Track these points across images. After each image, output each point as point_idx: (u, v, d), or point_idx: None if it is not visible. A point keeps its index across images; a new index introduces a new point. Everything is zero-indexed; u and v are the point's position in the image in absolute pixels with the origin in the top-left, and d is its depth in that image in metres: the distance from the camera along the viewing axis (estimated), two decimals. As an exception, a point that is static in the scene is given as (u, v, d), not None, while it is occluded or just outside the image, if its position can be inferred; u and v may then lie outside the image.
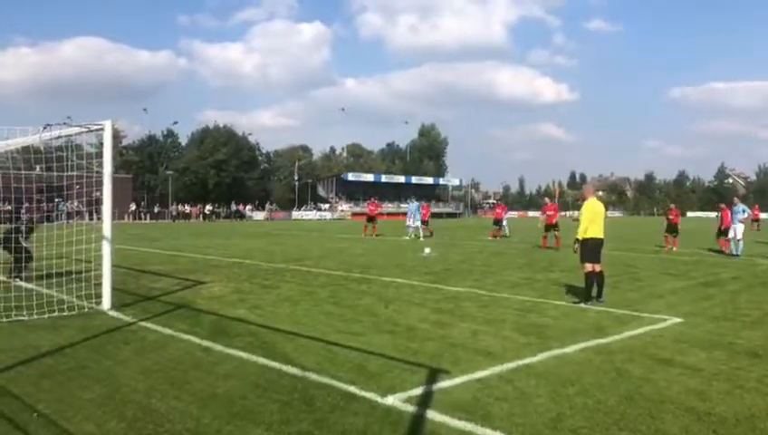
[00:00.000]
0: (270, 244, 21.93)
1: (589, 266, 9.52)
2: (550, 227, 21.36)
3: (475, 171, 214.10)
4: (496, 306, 9.12)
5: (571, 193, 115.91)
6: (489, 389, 5.00)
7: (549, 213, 21.77)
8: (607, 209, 10.68)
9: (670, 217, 22.08)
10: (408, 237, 26.28)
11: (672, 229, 21.68)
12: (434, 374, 5.37)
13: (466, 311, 8.70)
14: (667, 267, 15.11)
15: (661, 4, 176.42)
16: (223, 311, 8.47)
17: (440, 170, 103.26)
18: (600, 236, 9.61)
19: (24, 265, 11.01)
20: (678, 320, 8.13)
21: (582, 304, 9.28)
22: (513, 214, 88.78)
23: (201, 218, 60.07)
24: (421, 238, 25.73)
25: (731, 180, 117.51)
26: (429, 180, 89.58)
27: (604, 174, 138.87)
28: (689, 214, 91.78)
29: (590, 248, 9.57)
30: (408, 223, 27.37)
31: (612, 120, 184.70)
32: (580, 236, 9.62)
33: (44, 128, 8.86)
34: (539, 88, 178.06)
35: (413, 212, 27.59)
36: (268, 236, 25.12)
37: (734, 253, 18.74)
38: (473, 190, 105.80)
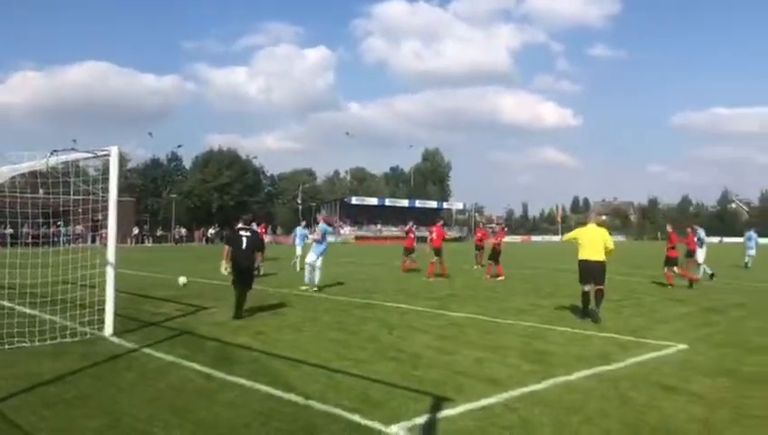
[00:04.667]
0: (274, 268, 21.89)
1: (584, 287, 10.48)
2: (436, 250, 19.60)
3: (479, 195, 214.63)
4: (501, 333, 9.09)
5: (574, 217, 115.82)
6: (493, 417, 4.97)
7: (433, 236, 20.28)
8: (611, 234, 10.95)
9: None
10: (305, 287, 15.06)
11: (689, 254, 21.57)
12: (438, 403, 5.34)
13: (471, 337, 8.67)
14: (671, 293, 15.06)
15: (663, 30, 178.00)
16: (225, 337, 8.45)
17: (444, 194, 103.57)
18: (590, 258, 10.41)
19: None
20: (683, 346, 8.08)
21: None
22: (516, 238, 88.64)
23: (204, 242, 60.16)
24: (314, 287, 14.81)
25: (734, 206, 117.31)
26: (433, 204, 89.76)
27: (607, 198, 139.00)
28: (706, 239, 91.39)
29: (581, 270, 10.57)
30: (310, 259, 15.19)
31: (616, 144, 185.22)
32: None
33: (51, 154, 8.95)
34: (543, 113, 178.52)
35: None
36: (272, 260, 25.10)
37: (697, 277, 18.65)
38: (476, 214, 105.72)
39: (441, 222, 22.28)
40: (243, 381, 6.05)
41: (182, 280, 15.29)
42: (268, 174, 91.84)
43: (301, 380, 6.13)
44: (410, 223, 23.36)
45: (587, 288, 10.38)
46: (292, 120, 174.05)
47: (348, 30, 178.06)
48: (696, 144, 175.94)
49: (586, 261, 10.43)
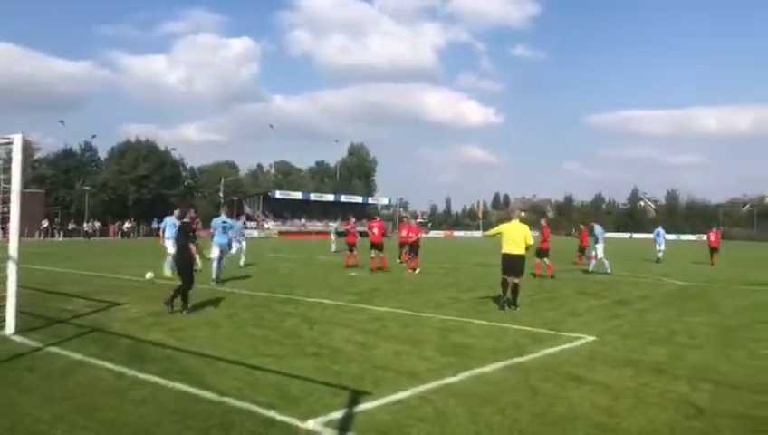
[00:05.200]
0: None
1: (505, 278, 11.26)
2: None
3: (404, 191, 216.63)
4: (420, 326, 9.23)
5: (495, 213, 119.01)
6: (409, 410, 5.04)
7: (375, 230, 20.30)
8: (531, 230, 11.89)
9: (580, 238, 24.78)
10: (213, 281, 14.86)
11: (581, 249, 24.25)
12: (356, 397, 5.36)
13: (391, 331, 8.75)
14: (583, 286, 15.74)
15: (580, 33, 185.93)
16: (139, 334, 8.16)
17: (369, 190, 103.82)
18: (512, 252, 11.20)
19: None
20: (592, 338, 8.47)
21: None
22: (440, 233, 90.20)
23: (119, 236, 57.79)
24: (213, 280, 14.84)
25: (642, 203, 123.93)
26: (359, 199, 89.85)
27: (527, 195, 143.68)
28: (606, 235, 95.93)
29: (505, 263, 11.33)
30: (214, 254, 15.27)
31: (535, 143, 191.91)
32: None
33: (-54, 140, 8.35)
34: (466, 111, 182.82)
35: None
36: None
37: (600, 270, 19.99)
38: (401, 210, 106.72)
39: (378, 218, 22.66)
40: (156, 378, 5.86)
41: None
42: (188, 166, 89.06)
43: (217, 376, 6.00)
44: (352, 219, 23.58)
45: (509, 278, 11.20)
46: (214, 112, 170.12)
47: (272, 21, 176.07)
48: (609, 144, 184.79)
49: (509, 254, 11.26)
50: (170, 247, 16.40)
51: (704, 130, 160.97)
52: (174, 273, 15.91)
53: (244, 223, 23.44)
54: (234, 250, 19.82)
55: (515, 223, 11.60)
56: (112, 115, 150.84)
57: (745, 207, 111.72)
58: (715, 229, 29.64)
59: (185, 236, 10.56)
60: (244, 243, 21.06)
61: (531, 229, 11.77)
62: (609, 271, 19.75)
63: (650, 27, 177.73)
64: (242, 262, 20.22)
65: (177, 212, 16.47)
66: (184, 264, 10.44)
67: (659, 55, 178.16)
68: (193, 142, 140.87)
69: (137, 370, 6.16)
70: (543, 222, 20.13)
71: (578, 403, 5.34)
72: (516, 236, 11.25)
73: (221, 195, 77.66)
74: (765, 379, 6.37)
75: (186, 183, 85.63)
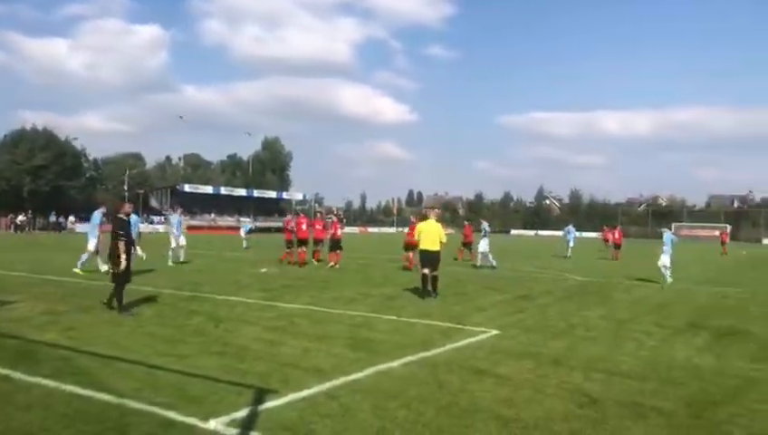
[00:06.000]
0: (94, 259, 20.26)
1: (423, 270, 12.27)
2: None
3: (320, 186, 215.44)
4: (330, 323, 9.22)
5: (409, 210, 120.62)
6: (315, 407, 5.02)
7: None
8: (445, 228, 12.62)
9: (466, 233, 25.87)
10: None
11: (466, 244, 25.15)
12: (261, 395, 5.27)
13: (300, 328, 8.69)
14: (488, 282, 16.25)
15: (492, 36, 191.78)
16: (30, 335, 7.66)
17: (284, 184, 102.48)
18: (428, 248, 12.15)
19: None
20: (496, 332, 8.76)
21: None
22: (355, 229, 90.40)
23: (12, 229, 54.10)
24: None
25: (548, 202, 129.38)
26: (272, 194, 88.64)
27: (439, 192, 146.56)
28: (513, 232, 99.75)
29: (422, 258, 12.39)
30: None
31: (448, 141, 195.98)
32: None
33: None
34: (381, 107, 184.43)
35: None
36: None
37: (486, 265, 20.90)
38: (316, 205, 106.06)
39: (302, 214, 23.49)
40: (47, 381, 5.52)
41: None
42: (91, 157, 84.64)
43: (114, 377, 5.73)
44: (290, 215, 23.95)
45: (425, 271, 12.13)
46: (121, 101, 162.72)
47: (184, 9, 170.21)
48: (518, 144, 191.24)
49: (425, 250, 12.25)
50: (91, 244, 15.68)
51: (606, 133, 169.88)
52: (82, 270, 15.20)
53: (181, 214, 22.97)
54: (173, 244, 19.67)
55: (431, 221, 12.47)
56: (5, 101, 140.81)
57: (641, 207, 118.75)
58: (618, 227, 31.66)
59: (122, 231, 9.85)
60: (183, 238, 20.25)
61: (444, 227, 12.54)
62: (492, 264, 20.63)
63: (560, 33, 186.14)
64: (182, 257, 19.73)
65: (103, 207, 15.96)
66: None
67: (568, 60, 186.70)
68: (97, 132, 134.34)
69: (24, 372, 5.78)
70: (412, 218, 22.41)
71: (480, 396, 5.50)
72: (431, 234, 12.11)
73: (125, 188, 74.36)
74: (650, 368, 6.82)
75: (87, 175, 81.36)
